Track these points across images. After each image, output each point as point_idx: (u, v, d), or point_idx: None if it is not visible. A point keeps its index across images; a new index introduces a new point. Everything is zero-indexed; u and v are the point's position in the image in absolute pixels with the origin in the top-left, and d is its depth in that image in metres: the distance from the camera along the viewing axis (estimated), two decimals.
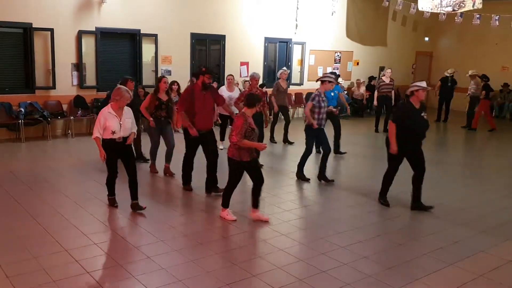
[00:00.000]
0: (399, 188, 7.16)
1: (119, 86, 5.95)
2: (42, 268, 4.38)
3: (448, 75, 14.67)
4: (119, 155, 5.82)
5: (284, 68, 11.26)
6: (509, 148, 11.80)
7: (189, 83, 7.17)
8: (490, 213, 6.50)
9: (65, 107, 10.76)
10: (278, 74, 10.87)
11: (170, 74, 12.06)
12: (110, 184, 6.03)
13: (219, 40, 13.06)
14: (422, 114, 6.16)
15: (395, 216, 6.25)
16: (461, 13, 11.69)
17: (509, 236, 5.68)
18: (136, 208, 5.93)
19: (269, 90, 10.90)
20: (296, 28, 14.28)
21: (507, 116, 16.40)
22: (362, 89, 15.50)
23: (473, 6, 11.23)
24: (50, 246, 4.87)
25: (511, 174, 8.98)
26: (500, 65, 16.72)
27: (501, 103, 16.49)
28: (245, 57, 13.61)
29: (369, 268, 4.65)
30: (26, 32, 10.08)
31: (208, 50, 13.00)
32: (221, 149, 8.90)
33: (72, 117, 10.60)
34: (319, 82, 7.71)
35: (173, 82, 11.44)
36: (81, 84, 10.88)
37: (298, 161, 7.72)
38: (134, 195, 5.96)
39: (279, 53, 14.41)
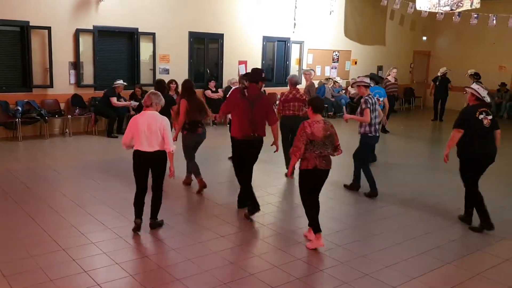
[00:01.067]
0: (398, 188, 7.19)
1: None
2: (39, 267, 4.37)
3: (440, 74, 14.72)
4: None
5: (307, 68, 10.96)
6: (506, 147, 11.81)
7: (240, 85, 6.67)
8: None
9: (62, 105, 10.73)
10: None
11: (168, 73, 12.05)
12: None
13: (217, 39, 13.04)
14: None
15: (393, 215, 6.25)
16: (459, 12, 11.69)
17: (505, 235, 5.69)
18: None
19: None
20: (294, 27, 14.27)
21: (505, 116, 16.43)
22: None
23: (471, 6, 11.23)
24: (48, 245, 4.86)
25: (508, 173, 8.99)
26: (497, 65, 16.74)
27: (499, 102, 16.51)
28: (243, 56, 13.60)
29: (366, 266, 4.66)
30: (23, 31, 10.05)
31: (206, 49, 12.98)
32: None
33: (69, 116, 10.58)
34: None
35: (171, 81, 11.46)
36: (79, 82, 10.86)
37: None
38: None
39: (277, 52, 14.40)
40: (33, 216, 5.66)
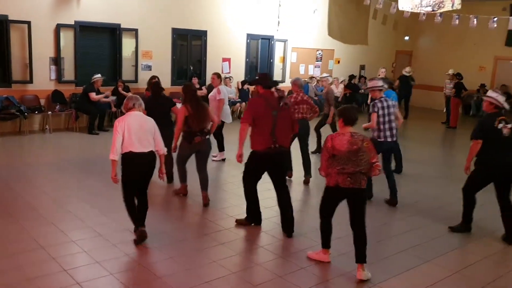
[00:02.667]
0: (380, 187, 7.23)
1: None
2: (18, 265, 4.30)
3: (406, 74, 14.91)
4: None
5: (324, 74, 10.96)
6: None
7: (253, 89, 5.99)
8: None
9: (42, 101, 10.56)
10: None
11: (151, 69, 11.95)
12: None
13: (201, 35, 12.98)
14: None
15: (372, 214, 6.30)
16: (441, 13, 11.81)
17: (484, 233, 5.78)
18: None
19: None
20: (278, 25, 14.29)
21: (484, 115, 16.65)
22: (340, 87, 15.58)
23: (452, 7, 11.36)
24: (26, 243, 4.78)
25: None
26: (477, 65, 17.00)
27: (479, 103, 16.76)
28: (227, 53, 13.56)
29: (347, 264, 4.68)
30: (2, 25, 9.85)
31: (189, 46, 12.91)
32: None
33: (49, 112, 10.43)
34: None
35: (154, 77, 11.38)
36: (59, 78, 10.70)
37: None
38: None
39: (261, 50, 14.39)
40: (11, 213, 5.57)
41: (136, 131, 4.80)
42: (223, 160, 8.63)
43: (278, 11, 14.18)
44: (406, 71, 14.97)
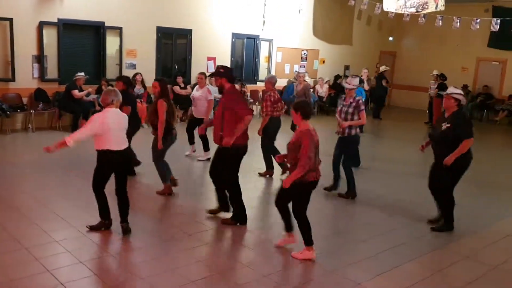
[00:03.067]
0: (363, 186, 7.28)
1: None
2: (1, 266, 4.24)
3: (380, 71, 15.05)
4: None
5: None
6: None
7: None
8: None
9: (25, 100, 10.42)
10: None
11: (135, 68, 11.88)
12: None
13: (186, 34, 12.93)
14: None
15: (358, 212, 6.35)
16: (424, 14, 11.95)
17: (465, 232, 5.87)
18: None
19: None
20: (264, 24, 14.29)
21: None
22: (325, 87, 15.67)
23: (436, 8, 11.50)
24: (8, 244, 4.72)
25: (469, 172, 9.24)
26: (460, 66, 17.22)
27: None
28: (212, 52, 13.53)
29: (331, 263, 4.72)
30: None
31: (174, 44, 12.85)
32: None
33: (32, 111, 10.30)
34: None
35: (137, 73, 11.37)
36: (43, 76, 10.57)
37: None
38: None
39: (246, 49, 14.39)
40: None
41: (115, 130, 4.83)
42: (208, 159, 8.62)
43: (263, 11, 14.19)
44: (381, 68, 15.08)
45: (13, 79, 10.19)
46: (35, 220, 5.36)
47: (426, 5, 11.57)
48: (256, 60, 14.60)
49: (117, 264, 4.46)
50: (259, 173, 7.78)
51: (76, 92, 10.39)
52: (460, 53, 17.11)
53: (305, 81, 10.28)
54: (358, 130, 6.79)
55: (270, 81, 7.72)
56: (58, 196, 6.25)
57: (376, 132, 13.38)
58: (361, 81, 9.26)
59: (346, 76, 17.00)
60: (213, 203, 6.31)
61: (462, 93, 5.66)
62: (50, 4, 10.43)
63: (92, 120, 4.87)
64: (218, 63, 13.50)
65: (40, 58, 10.48)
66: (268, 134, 7.58)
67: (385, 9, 12.29)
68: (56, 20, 10.55)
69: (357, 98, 6.72)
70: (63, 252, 4.64)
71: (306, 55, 16.03)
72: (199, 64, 13.16)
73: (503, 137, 14.27)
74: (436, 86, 14.25)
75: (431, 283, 4.52)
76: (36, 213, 5.60)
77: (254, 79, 14.56)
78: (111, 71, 11.61)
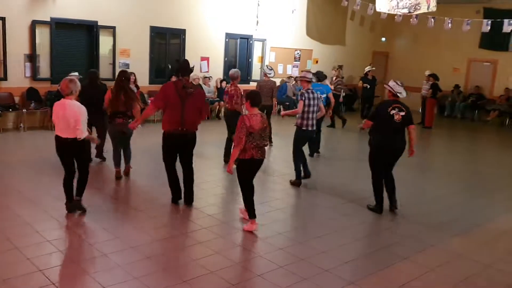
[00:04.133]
0: (358, 185, 7.32)
1: None
2: None
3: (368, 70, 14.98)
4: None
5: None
6: (460, 146, 12.26)
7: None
8: (442, 209, 6.74)
9: (17, 99, 10.36)
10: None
11: (128, 68, 11.81)
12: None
13: (179, 34, 12.91)
14: None
15: (352, 212, 6.38)
16: (417, 15, 12.02)
17: (458, 231, 5.91)
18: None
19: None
20: (257, 24, 14.30)
21: (458, 116, 17.02)
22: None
23: (428, 9, 11.56)
24: (1, 244, 4.68)
25: (462, 171, 9.33)
26: (452, 67, 17.33)
27: (453, 103, 17.10)
28: (205, 52, 13.52)
29: (325, 262, 4.73)
30: None
31: (167, 44, 12.82)
32: None
33: (24, 110, 10.23)
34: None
35: (130, 73, 11.32)
36: (35, 76, 10.51)
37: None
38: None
39: (239, 49, 14.38)
40: None
41: (61, 118, 5.28)
42: None
43: (257, 11, 14.20)
44: (366, 69, 15.04)
45: (5, 78, 10.12)
46: (27, 220, 5.33)
47: (418, 6, 11.63)
48: (250, 60, 14.60)
49: (110, 264, 4.44)
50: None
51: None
52: (452, 54, 17.22)
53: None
54: (299, 121, 7.10)
55: (234, 75, 8.28)
56: (50, 195, 6.20)
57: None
58: (324, 77, 9.86)
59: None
60: (204, 201, 6.31)
61: (392, 86, 6.08)
62: (42, 3, 10.37)
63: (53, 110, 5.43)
64: (212, 63, 13.53)
65: (32, 57, 10.43)
66: (231, 126, 7.98)
67: (377, 9, 12.34)
68: (48, 19, 10.50)
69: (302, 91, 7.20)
70: (55, 251, 4.61)
71: (299, 55, 16.06)
72: (193, 64, 13.11)
73: (495, 137, 14.37)
74: (428, 86, 14.33)
75: (424, 281, 4.54)
76: (29, 213, 5.56)
77: (247, 79, 14.55)
78: (105, 71, 11.56)
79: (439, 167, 9.74)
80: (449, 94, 17.00)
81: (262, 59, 15.05)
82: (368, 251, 5.14)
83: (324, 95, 9.08)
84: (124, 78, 7.03)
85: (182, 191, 6.16)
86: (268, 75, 9.90)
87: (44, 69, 10.70)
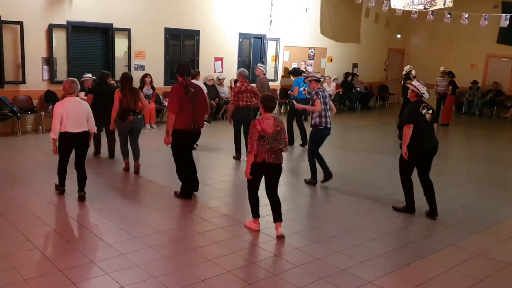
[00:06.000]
0: (372, 184, 7.27)
1: None
2: (12, 266, 4.29)
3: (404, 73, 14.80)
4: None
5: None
6: (478, 144, 12.10)
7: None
8: (459, 207, 6.67)
9: (35, 102, 10.51)
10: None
11: (144, 69, 11.94)
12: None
13: (193, 35, 12.97)
14: None
15: (368, 211, 6.34)
16: (433, 11, 11.89)
17: (477, 229, 5.83)
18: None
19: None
20: (271, 24, 14.29)
21: (476, 113, 16.79)
22: (332, 85, 15.64)
23: (444, 5, 11.44)
24: (21, 244, 4.77)
25: (479, 170, 9.21)
26: (469, 63, 17.08)
27: (471, 100, 16.88)
28: (219, 53, 13.56)
29: (342, 262, 4.72)
30: None
31: (182, 45, 12.89)
32: None
33: (42, 113, 10.38)
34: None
35: (146, 75, 11.46)
36: (52, 78, 10.66)
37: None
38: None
39: (253, 49, 14.39)
40: (5, 214, 5.54)
41: (72, 115, 5.82)
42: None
43: (270, 10, 14.19)
44: (405, 69, 14.85)
45: (23, 82, 10.29)
46: (46, 221, 5.42)
47: (434, 1, 11.52)
48: (263, 59, 14.59)
49: (128, 263, 4.49)
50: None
51: (82, 95, 10.43)
52: (469, 50, 16.98)
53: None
54: (317, 120, 7.07)
55: (241, 74, 8.66)
56: (70, 197, 6.29)
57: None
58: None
59: (354, 75, 17.01)
60: (219, 200, 6.33)
61: (417, 85, 6.05)
62: (59, 7, 10.52)
63: (54, 110, 5.87)
64: (226, 63, 13.57)
65: (49, 61, 10.58)
66: (235, 122, 8.55)
67: (392, 6, 12.25)
68: (65, 23, 10.63)
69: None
70: (73, 251, 4.68)
71: (314, 53, 16.01)
72: (207, 65, 13.20)
73: None
74: (447, 83, 14.14)
75: (443, 280, 4.50)
76: (47, 214, 5.66)
77: None
78: (120, 73, 11.58)
79: (456, 165, 9.63)
80: (466, 91, 16.78)
81: (276, 58, 15.04)
82: (385, 250, 5.10)
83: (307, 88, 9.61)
84: (127, 78, 7.53)
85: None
86: (264, 73, 10.63)
87: (61, 72, 10.84)
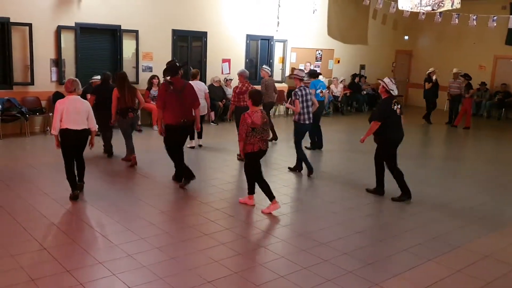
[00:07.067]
0: (387, 187, 7.24)
1: None
2: (20, 266, 4.32)
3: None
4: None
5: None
6: (486, 146, 12.03)
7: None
8: (467, 209, 6.63)
9: (43, 103, 10.59)
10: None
11: (151, 71, 11.99)
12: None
13: (201, 37, 13.00)
14: None
15: (374, 213, 6.32)
16: (440, 12, 11.84)
17: (485, 231, 5.80)
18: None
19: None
20: (278, 25, 14.29)
21: (484, 114, 16.69)
22: (340, 86, 15.62)
23: (452, 6, 11.39)
24: (29, 245, 4.80)
25: (487, 172, 9.15)
26: (477, 64, 16.98)
27: (479, 101, 16.77)
28: (227, 54, 13.58)
29: (349, 264, 4.71)
30: (3, 27, 9.88)
31: (189, 47, 12.93)
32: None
33: (51, 114, 10.42)
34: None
35: (153, 76, 11.51)
36: (60, 80, 10.72)
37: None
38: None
39: (260, 50, 14.40)
40: (13, 214, 5.58)
41: (72, 112, 5.98)
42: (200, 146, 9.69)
43: (277, 12, 14.20)
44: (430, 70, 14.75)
45: (32, 83, 10.37)
46: (54, 221, 5.45)
47: (442, 3, 11.47)
48: (271, 61, 14.60)
49: (135, 264, 4.50)
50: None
51: (89, 96, 10.48)
52: (477, 51, 16.87)
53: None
54: (297, 117, 7.68)
55: (241, 75, 8.88)
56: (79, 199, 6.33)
57: None
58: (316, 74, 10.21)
59: (362, 76, 16.96)
60: (226, 202, 6.34)
61: (386, 82, 6.61)
62: (67, 8, 10.59)
63: (56, 107, 6.03)
64: (233, 65, 13.58)
65: (58, 62, 10.65)
66: (237, 122, 8.53)
67: (400, 8, 12.21)
68: (73, 24, 10.70)
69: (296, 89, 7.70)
70: (81, 252, 4.70)
71: (321, 55, 16.00)
72: (214, 66, 13.23)
73: None
74: (464, 85, 13.98)
75: (450, 283, 4.47)
76: (55, 214, 5.69)
77: None
78: (128, 74, 11.55)
79: (464, 167, 9.57)
80: (475, 92, 16.65)
81: (283, 59, 15.04)
82: (391, 252, 5.08)
83: (325, 90, 10.22)
84: (123, 77, 7.95)
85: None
86: (269, 74, 10.68)
87: (70, 73, 10.88)
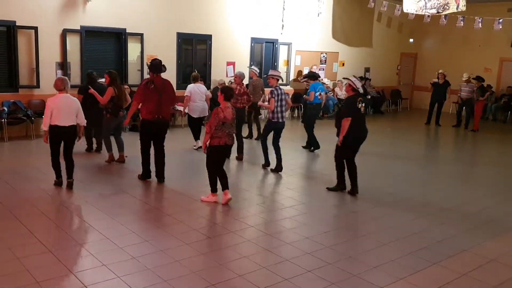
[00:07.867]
0: (385, 189, 7.23)
1: None
2: (25, 269, 4.33)
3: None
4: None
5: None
6: (493, 149, 11.98)
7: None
8: (473, 213, 6.60)
9: None
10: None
11: None
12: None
13: (206, 40, 13.03)
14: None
15: (380, 216, 6.30)
16: (445, 15, 11.83)
17: (491, 235, 5.77)
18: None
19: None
20: (282, 28, 14.31)
21: (490, 117, 16.62)
22: (344, 89, 15.57)
23: (457, 9, 11.37)
24: (34, 247, 4.82)
25: (494, 175, 9.10)
26: (483, 67, 16.91)
27: (485, 104, 16.68)
28: (231, 57, 13.61)
29: (354, 267, 4.69)
30: (9, 30, 9.94)
31: (194, 50, 12.96)
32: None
33: None
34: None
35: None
36: None
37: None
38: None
39: (265, 53, 14.42)
40: (18, 217, 5.60)
41: (63, 111, 6.38)
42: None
43: (282, 15, 14.21)
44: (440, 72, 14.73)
45: (37, 86, 10.42)
46: (59, 224, 5.47)
47: (447, 5, 11.46)
48: (275, 64, 14.61)
49: (140, 267, 4.50)
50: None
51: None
52: (483, 54, 16.83)
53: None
54: (270, 115, 8.01)
55: (239, 77, 9.14)
56: (83, 200, 6.35)
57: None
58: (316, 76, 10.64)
59: (366, 79, 16.93)
60: (229, 205, 6.33)
61: (353, 80, 6.88)
62: (73, 12, 10.64)
63: (46, 104, 6.41)
64: (238, 67, 13.59)
65: (63, 65, 10.69)
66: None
67: (405, 10, 12.21)
68: (79, 28, 10.76)
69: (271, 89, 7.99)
70: (86, 255, 4.71)
71: (325, 57, 16.00)
72: (219, 69, 13.25)
73: None
74: (477, 88, 13.88)
75: (455, 287, 4.45)
76: (60, 217, 5.71)
77: None
78: (133, 77, 11.77)
79: (471, 170, 9.54)
80: (490, 94, 16.55)
81: (287, 62, 15.05)
82: (397, 256, 5.06)
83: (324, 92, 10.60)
84: (117, 78, 8.24)
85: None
86: (257, 75, 11.00)
87: (75, 76, 10.94)
